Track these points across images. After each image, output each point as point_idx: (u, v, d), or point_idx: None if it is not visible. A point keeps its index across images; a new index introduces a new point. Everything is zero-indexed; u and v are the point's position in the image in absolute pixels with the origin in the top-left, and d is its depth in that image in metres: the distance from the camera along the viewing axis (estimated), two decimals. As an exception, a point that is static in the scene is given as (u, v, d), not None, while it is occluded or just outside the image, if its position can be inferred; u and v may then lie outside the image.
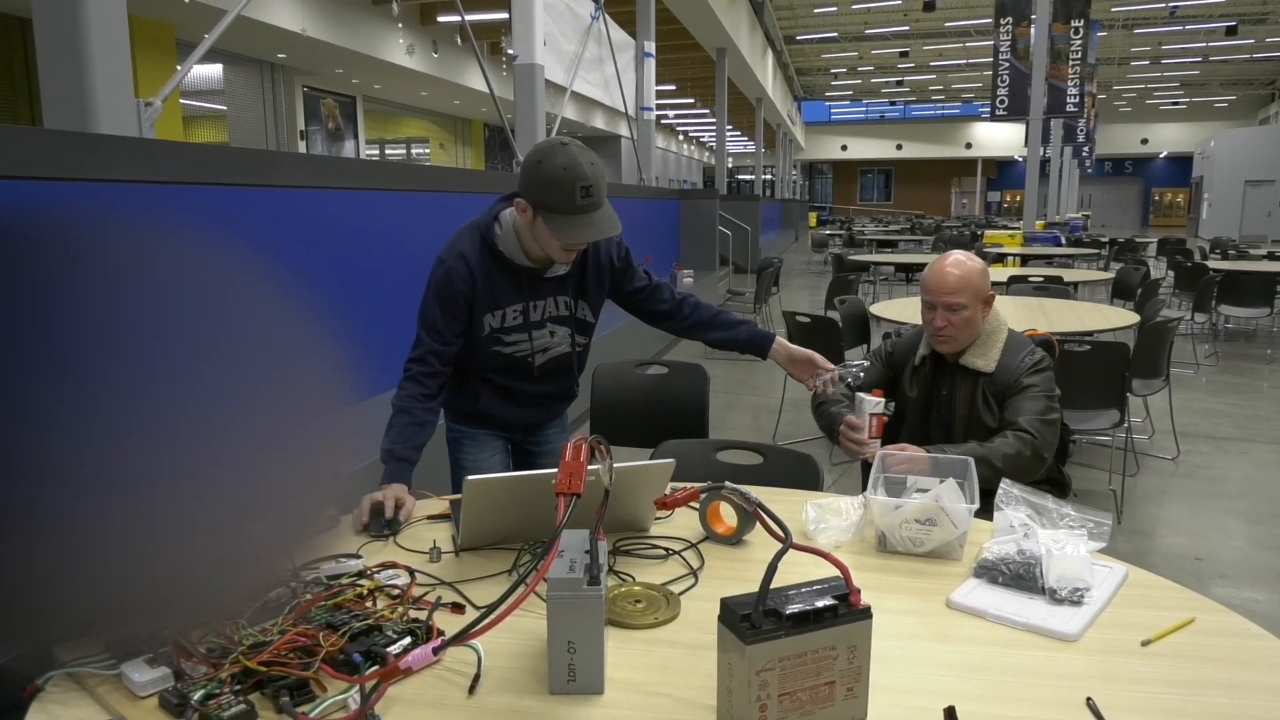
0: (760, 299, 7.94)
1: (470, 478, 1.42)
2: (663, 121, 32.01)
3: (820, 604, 1.00)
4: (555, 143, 1.83)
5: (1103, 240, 14.13)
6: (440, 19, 15.77)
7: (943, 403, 2.24)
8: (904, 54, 28.70)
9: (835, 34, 26.59)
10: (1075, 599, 1.33)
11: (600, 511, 1.12)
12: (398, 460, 1.84)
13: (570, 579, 1.07)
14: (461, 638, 0.95)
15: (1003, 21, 13.35)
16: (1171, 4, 21.55)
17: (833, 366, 2.00)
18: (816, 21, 25.26)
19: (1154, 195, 42.35)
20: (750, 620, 0.97)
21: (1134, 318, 4.57)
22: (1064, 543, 1.41)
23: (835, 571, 1.05)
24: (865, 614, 1.03)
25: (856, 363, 2.20)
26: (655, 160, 11.42)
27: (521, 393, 2.11)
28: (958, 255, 2.22)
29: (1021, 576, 1.38)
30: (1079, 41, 13.25)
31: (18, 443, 0.84)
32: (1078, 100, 13.60)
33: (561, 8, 7.53)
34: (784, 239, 25.26)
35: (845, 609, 1.02)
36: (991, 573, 1.41)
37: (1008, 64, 13.37)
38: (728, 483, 1.10)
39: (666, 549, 1.57)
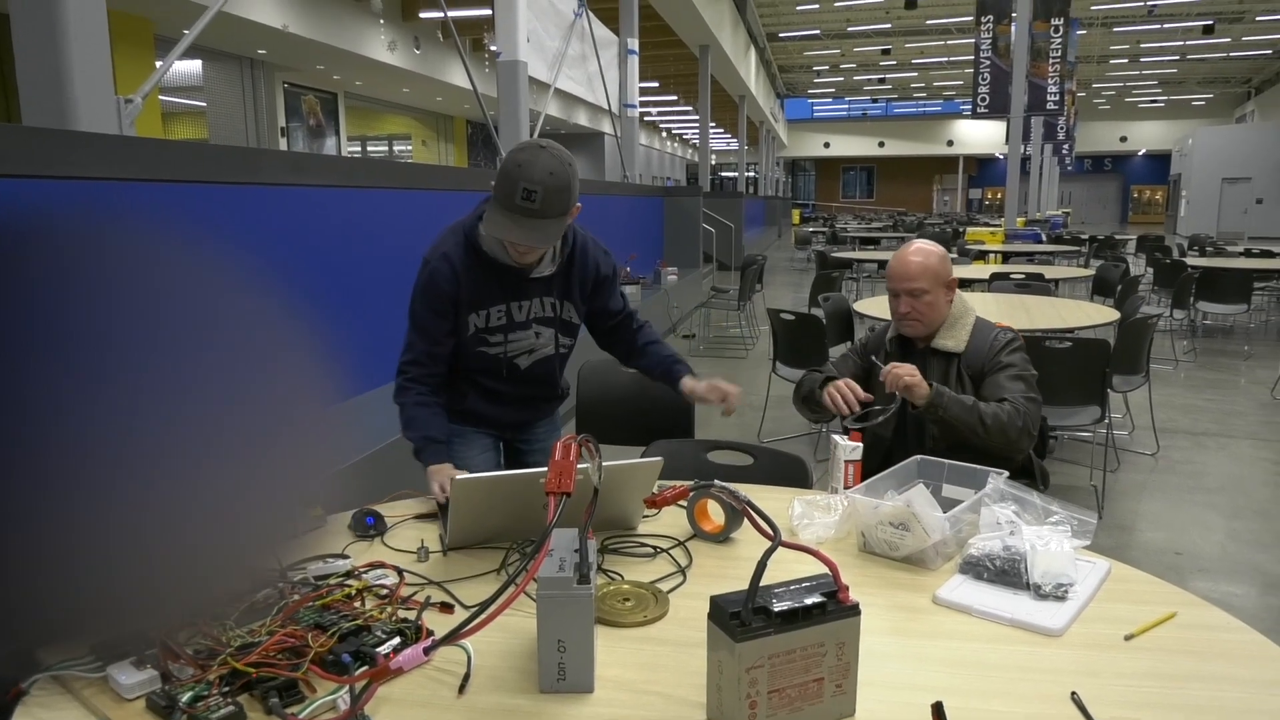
0: (744, 296, 7.96)
1: (458, 477, 1.42)
2: (646, 118, 31.97)
3: (809, 601, 1.01)
4: (533, 144, 1.81)
5: (1083, 237, 14.24)
6: (422, 15, 15.68)
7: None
8: (886, 51, 28.80)
9: (818, 31, 26.64)
10: (1059, 594, 1.35)
11: (589, 510, 1.12)
12: (435, 444, 1.91)
13: (560, 578, 1.07)
14: (452, 638, 0.95)
15: (984, 19, 13.43)
16: (1149, 3, 21.73)
17: (735, 388, 2.02)
18: (799, 19, 25.29)
19: (1133, 192, 42.74)
20: (740, 618, 0.98)
21: (1114, 314, 4.61)
22: (1048, 539, 1.43)
23: (824, 568, 1.05)
24: (854, 611, 1.04)
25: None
26: (638, 157, 11.41)
27: (507, 393, 2.10)
28: (920, 243, 2.31)
29: (1006, 572, 1.40)
30: (1059, 40, 13.35)
31: (3, 445, 0.83)
32: (1058, 98, 13.71)
33: (544, 4, 7.51)
34: (767, 236, 25.29)
35: (834, 606, 1.03)
36: (977, 569, 1.42)
37: (989, 62, 13.45)
38: (716, 481, 1.10)
39: (655, 547, 1.57)
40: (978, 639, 1.25)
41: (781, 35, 27.17)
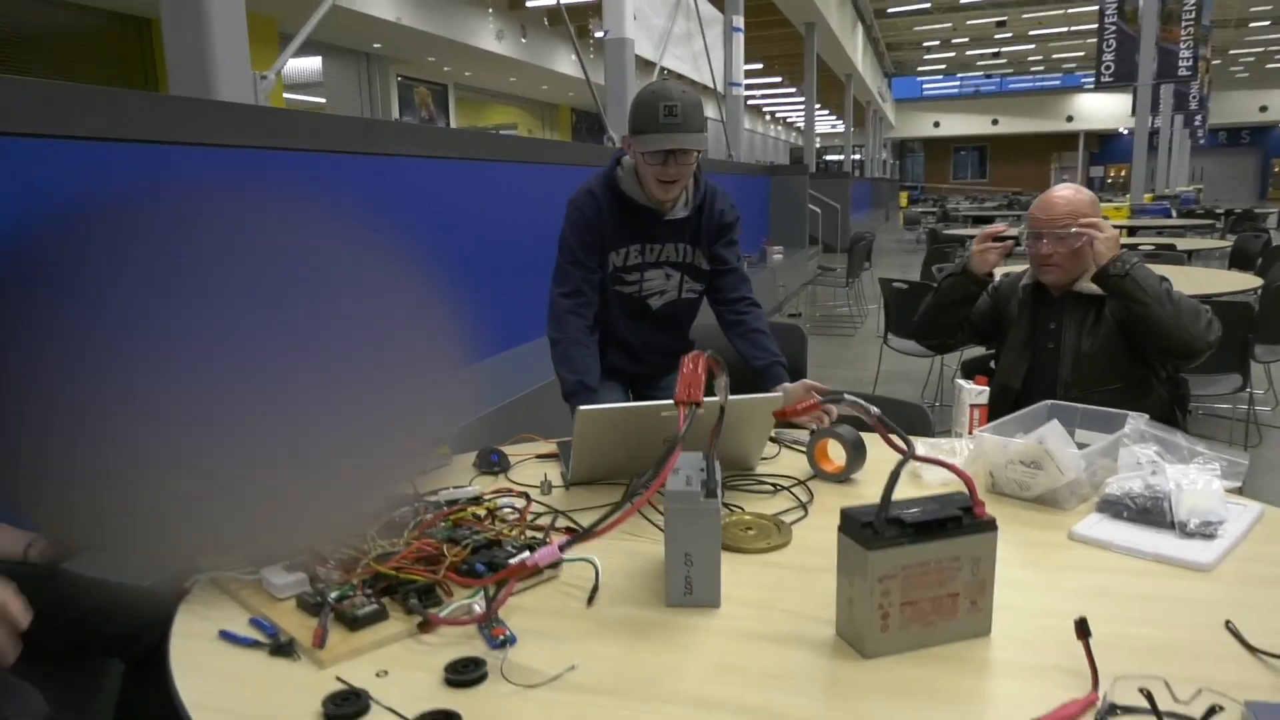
0: (853, 273, 7.81)
1: (583, 408, 1.45)
2: (749, 102, 31.62)
3: (944, 514, 0.99)
4: (654, 80, 1.98)
5: (1218, 211, 13.38)
6: (528, 3, 15.92)
7: (1049, 336, 2.17)
8: (1001, 24, 27.60)
9: (928, 4, 25.75)
10: (1208, 533, 1.28)
11: (716, 428, 1.13)
12: (588, 390, 2.00)
13: (688, 491, 1.08)
14: (589, 534, 0.97)
15: (1109, -18, 12.73)
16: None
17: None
18: (908, -8, 24.52)
19: (1274, 166, 39.80)
20: (873, 527, 0.97)
21: (1257, 281, 4.32)
22: (1195, 478, 1.35)
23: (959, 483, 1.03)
24: (990, 526, 1.01)
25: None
26: (742, 141, 11.30)
27: (638, 345, 2.22)
28: (1066, 186, 2.19)
29: (1149, 511, 1.33)
30: (1192, 1, 12.52)
31: (176, 396, 0.91)
32: (1191, 64, 12.88)
33: (650, -18, 7.52)
34: (874, 218, 24.67)
35: (969, 520, 1.00)
36: (1116, 507, 1.36)
37: (1114, 28, 12.75)
38: (846, 394, 1.09)
39: (775, 484, 1.56)
40: (1119, 573, 1.20)
41: (890, 10, 26.38)
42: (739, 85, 10.42)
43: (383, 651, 1.01)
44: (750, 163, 12.80)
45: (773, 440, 1.78)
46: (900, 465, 0.99)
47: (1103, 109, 38.08)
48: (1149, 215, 12.17)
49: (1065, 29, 28.16)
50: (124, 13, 11.01)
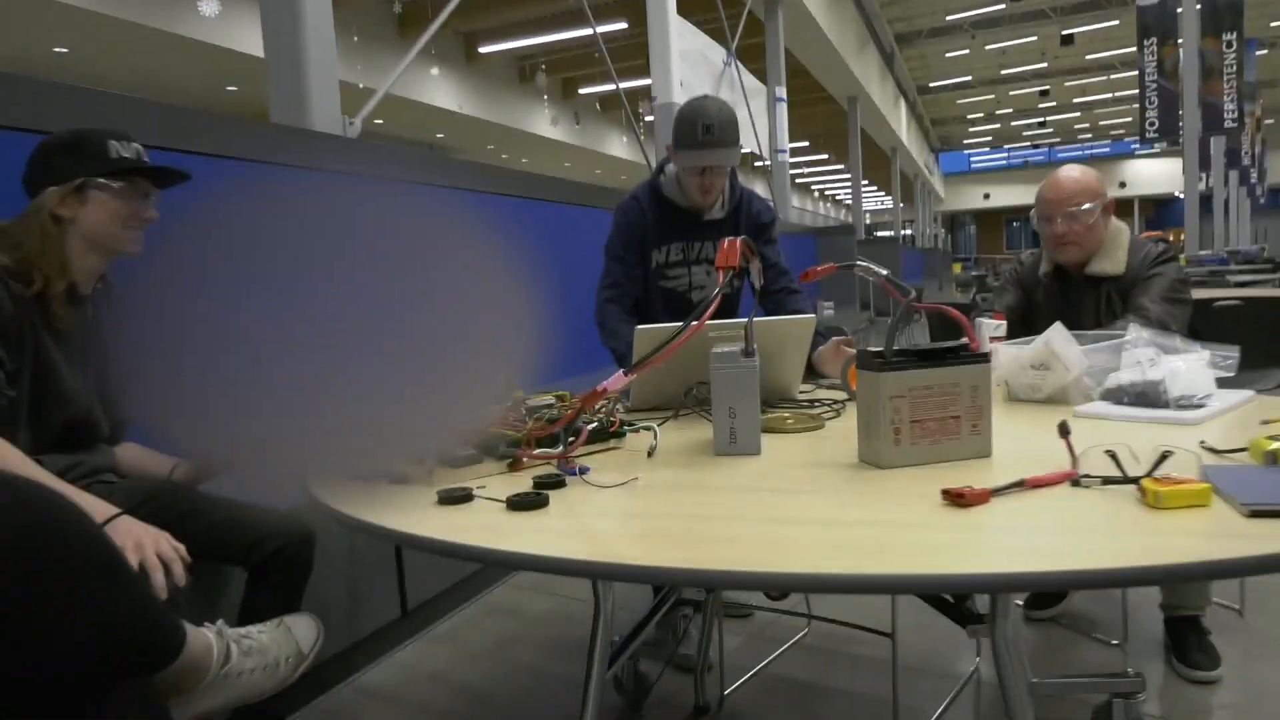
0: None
1: (640, 327, 1.66)
2: (797, 181, 32.29)
3: (943, 347, 1.18)
4: (695, 98, 2.22)
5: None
6: (581, 91, 16.75)
7: (1071, 318, 2.30)
8: (1044, 93, 28.00)
9: (969, 78, 26.30)
10: (1196, 403, 1.43)
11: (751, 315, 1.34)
12: None
13: (730, 352, 1.30)
14: (647, 361, 1.19)
15: (1146, 42, 12.97)
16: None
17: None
18: (949, 66, 25.09)
19: (1341, 224, 38.93)
20: (883, 355, 1.17)
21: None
22: (1189, 364, 1.51)
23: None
24: (984, 358, 1.20)
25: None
26: (790, 209, 11.65)
27: None
28: (1070, 166, 2.29)
29: (1146, 394, 1.49)
30: (1233, 55, 12.68)
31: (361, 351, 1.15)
32: (1236, 116, 12.95)
33: (696, 55, 7.98)
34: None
35: (966, 352, 1.19)
36: (1117, 394, 1.52)
37: (1155, 85, 12.93)
38: (859, 259, 1.30)
39: (812, 401, 1.76)
40: (1116, 431, 1.36)
41: (932, 85, 26.99)
42: (784, 151, 10.82)
43: (482, 480, 1.23)
44: (797, 224, 13.11)
45: (810, 384, 1.97)
46: (903, 308, 1.19)
47: (1156, 174, 37.90)
48: (1206, 265, 12.10)
49: (1109, 94, 28.40)
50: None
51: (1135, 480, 0.97)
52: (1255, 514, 0.87)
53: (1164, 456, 1.00)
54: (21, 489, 0.96)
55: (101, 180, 1.52)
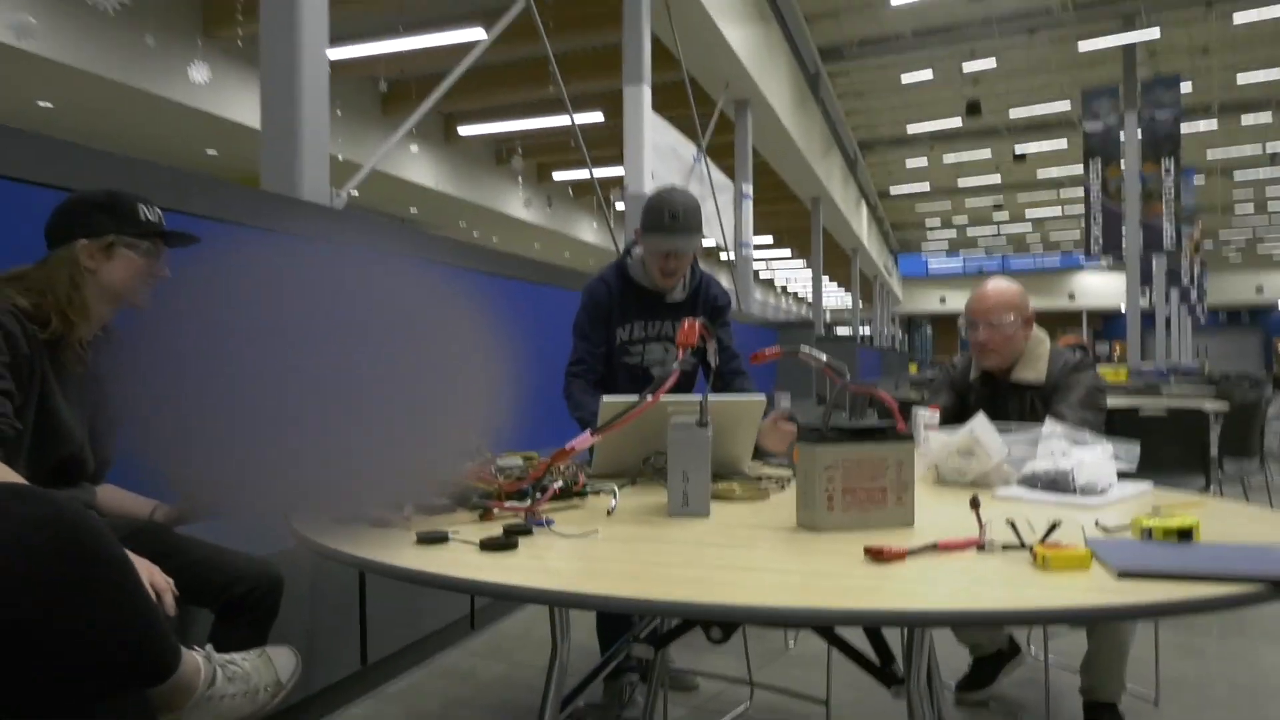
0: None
1: (606, 397, 1.80)
2: (760, 276, 33.12)
3: (873, 425, 1.34)
4: (661, 187, 2.43)
5: (1217, 378, 13.83)
6: (555, 175, 17.22)
7: (999, 421, 2.48)
8: (998, 206, 29.27)
9: (927, 186, 27.45)
10: (1098, 490, 1.61)
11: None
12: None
13: (686, 422, 1.45)
14: (612, 425, 1.33)
15: (1092, 162, 13.79)
16: (1270, 149, 21.61)
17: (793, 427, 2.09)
18: (908, 174, 26.21)
19: (1276, 345, 40.70)
20: (820, 431, 1.32)
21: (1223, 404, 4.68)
22: (1095, 456, 1.69)
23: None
24: (908, 438, 1.36)
25: None
26: (753, 302, 12.01)
27: None
28: (997, 279, 2.51)
29: (1056, 481, 1.66)
30: (1170, 182, 13.51)
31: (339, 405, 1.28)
32: (1174, 238, 13.72)
33: (666, 149, 8.36)
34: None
35: (892, 432, 1.35)
36: (1031, 480, 1.70)
37: (1100, 204, 13.69)
38: (803, 346, 1.46)
39: (760, 477, 1.90)
40: (1028, 511, 1.52)
41: (892, 191, 28.09)
42: (748, 246, 11.21)
43: (456, 526, 1.35)
44: (759, 316, 13.45)
45: (758, 461, 2.12)
46: (838, 391, 1.35)
47: (1104, 288, 39.43)
48: (1146, 377, 12.62)
49: (1059, 210, 29.76)
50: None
51: (1029, 546, 1.12)
52: (1124, 575, 1.03)
53: (1054, 526, 1.16)
54: (63, 505, 1.06)
55: (130, 239, 1.66)
